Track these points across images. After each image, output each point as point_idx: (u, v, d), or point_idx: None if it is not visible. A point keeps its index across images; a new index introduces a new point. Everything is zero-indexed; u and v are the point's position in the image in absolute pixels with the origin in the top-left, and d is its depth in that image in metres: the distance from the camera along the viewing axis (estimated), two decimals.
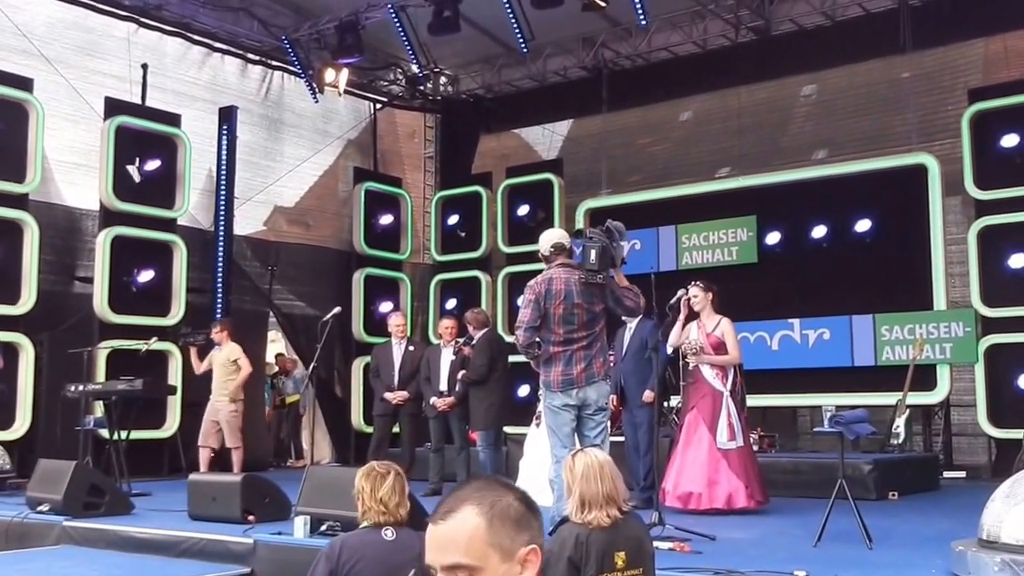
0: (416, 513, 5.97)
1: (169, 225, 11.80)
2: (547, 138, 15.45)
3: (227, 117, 12.48)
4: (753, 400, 10.49)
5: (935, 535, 6.14)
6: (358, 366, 13.45)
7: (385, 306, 13.55)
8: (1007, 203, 10.71)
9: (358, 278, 13.88)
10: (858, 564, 5.21)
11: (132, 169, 11.41)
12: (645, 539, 4.10)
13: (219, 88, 13.11)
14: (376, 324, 13.05)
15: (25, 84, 10.70)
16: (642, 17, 11.50)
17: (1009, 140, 10.77)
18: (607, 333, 6.33)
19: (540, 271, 6.20)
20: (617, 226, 5.83)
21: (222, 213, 12.27)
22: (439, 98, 15.83)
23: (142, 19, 12.25)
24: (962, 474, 10.96)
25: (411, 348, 9.56)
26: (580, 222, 13.40)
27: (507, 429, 10.13)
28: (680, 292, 7.10)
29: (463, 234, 14.48)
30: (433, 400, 9.08)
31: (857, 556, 5.51)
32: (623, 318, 7.83)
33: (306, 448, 13.53)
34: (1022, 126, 10.73)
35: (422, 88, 15.34)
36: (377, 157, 15.23)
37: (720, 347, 7.74)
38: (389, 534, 3.97)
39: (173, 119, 11.93)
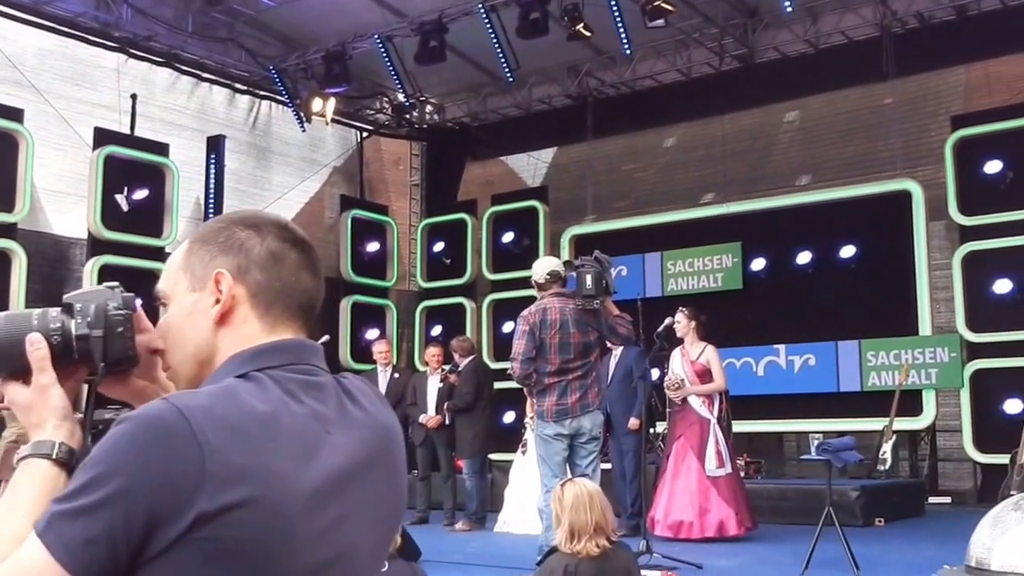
0: (407, 544, 5.98)
1: (157, 253, 11.77)
2: (532, 165, 15.55)
3: (215, 146, 12.52)
4: (739, 426, 10.55)
5: (922, 562, 6.16)
6: None
7: (372, 333, 13.57)
8: (991, 229, 10.81)
9: (345, 305, 13.90)
10: None
11: (120, 198, 11.41)
12: (634, 569, 4.14)
13: (207, 117, 13.16)
14: (363, 351, 13.04)
15: (15, 115, 10.71)
16: (627, 46, 11.62)
17: (992, 166, 10.89)
18: None
19: (524, 298, 6.23)
20: (604, 256, 5.89)
21: None
22: (425, 126, 15.91)
23: (131, 50, 12.28)
24: (947, 499, 11.01)
25: (396, 375, 9.57)
26: (565, 248, 13.48)
27: (493, 456, 10.16)
28: (668, 320, 7.16)
29: (448, 261, 14.52)
30: (421, 417, 9.09)
31: None
32: (609, 345, 7.88)
33: None
34: (1004, 152, 10.85)
35: (408, 116, 15.41)
36: (363, 185, 15.28)
37: (705, 374, 7.79)
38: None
39: (161, 148, 11.95)
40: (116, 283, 1.34)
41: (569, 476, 5.24)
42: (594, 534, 3.88)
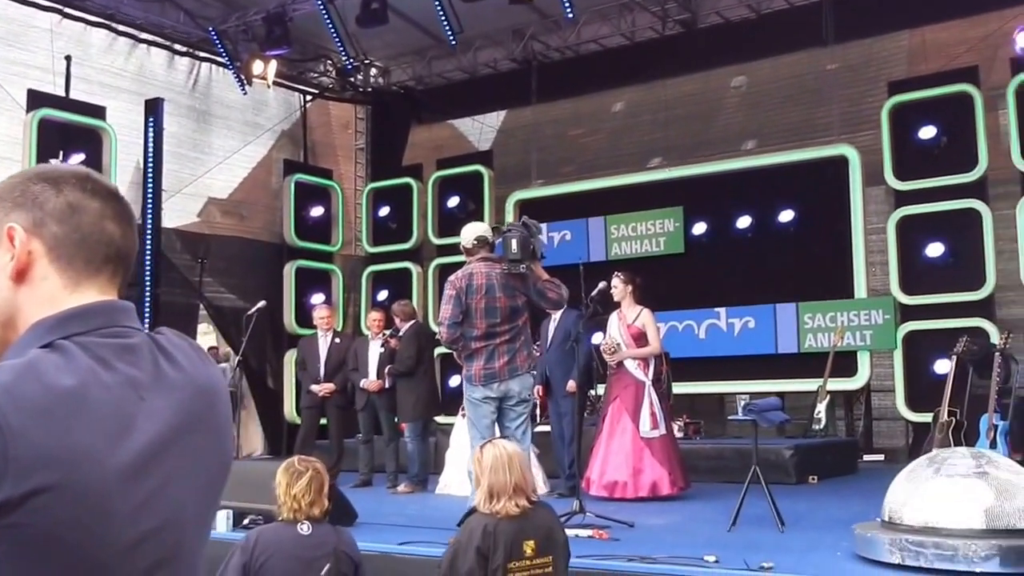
0: (339, 507, 6.03)
1: None
2: (480, 129, 15.52)
3: (153, 109, 12.31)
4: (681, 388, 10.72)
5: (847, 517, 6.31)
6: (290, 358, 13.40)
7: (316, 298, 13.52)
8: (925, 193, 11.00)
9: (288, 270, 13.83)
10: (768, 547, 5.36)
11: (56, 162, 11.22)
12: (555, 528, 4.21)
13: (145, 80, 12.92)
14: (307, 316, 13.00)
15: None
16: (569, 10, 11.61)
17: (927, 132, 11.07)
18: (533, 323, 6.43)
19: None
20: (533, 221, 5.93)
21: (149, 206, 12.13)
22: (370, 89, 15.78)
23: (66, 9, 12.01)
24: (881, 457, 11.29)
25: (337, 340, 9.58)
26: (510, 213, 13.52)
27: (439, 419, 10.22)
28: (601, 284, 7.23)
29: (394, 226, 14.51)
30: (362, 382, 9.13)
31: (769, 539, 5.69)
32: (548, 310, 7.95)
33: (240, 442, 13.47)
34: (939, 118, 11.03)
35: (352, 80, 15.28)
36: (307, 149, 15.14)
37: (641, 337, 7.89)
38: (305, 529, 4.02)
39: (98, 111, 11.74)
40: None
41: (494, 437, 5.31)
42: (513, 494, 3.96)
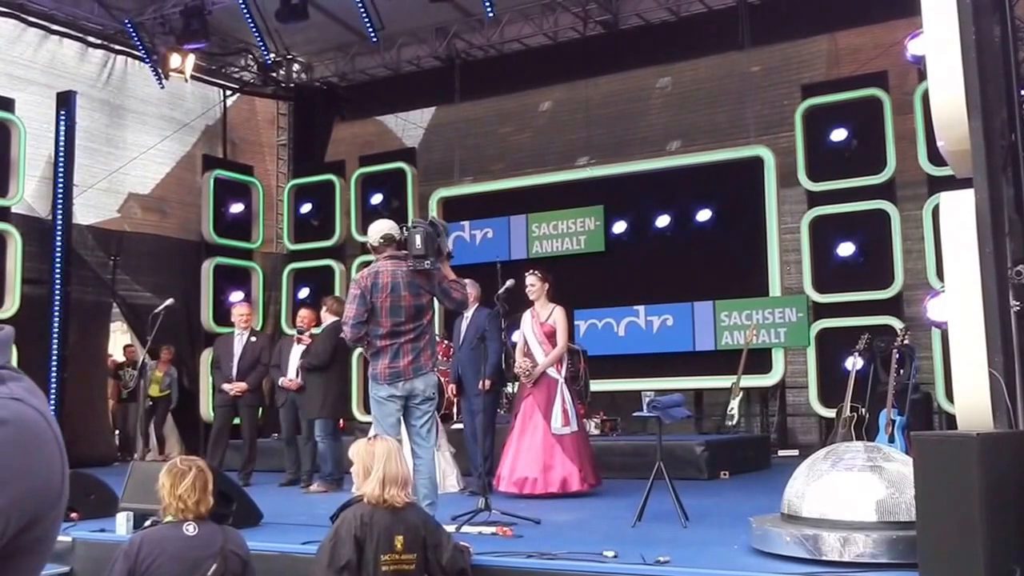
0: (243, 508, 5.96)
1: (2, 214, 11.34)
2: (409, 126, 15.47)
3: (65, 102, 11.99)
4: (600, 385, 10.80)
5: (751, 511, 6.37)
6: (207, 357, 13.21)
7: (236, 296, 13.32)
8: (836, 194, 11.25)
9: (207, 267, 13.61)
10: (669, 542, 5.41)
11: None
12: (421, 529, 4.30)
13: (57, 72, 12.58)
14: (226, 314, 12.80)
15: None
16: (489, 9, 11.62)
17: (838, 134, 11.31)
18: (447, 323, 6.41)
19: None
20: (440, 220, 5.93)
21: (60, 201, 11.83)
22: (292, 85, 15.61)
23: None
24: (795, 452, 11.48)
25: (253, 339, 9.44)
26: (433, 210, 13.51)
27: (360, 418, 10.14)
28: (508, 282, 7.22)
29: (316, 223, 14.37)
30: (281, 380, 9.04)
31: (671, 534, 5.74)
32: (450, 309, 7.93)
33: (154, 441, 13.23)
34: (850, 121, 11.28)
35: (274, 75, 15.11)
36: (227, 144, 14.91)
37: (553, 335, 7.93)
38: (191, 529, 3.98)
39: (6, 104, 11.40)
40: None
41: (404, 437, 5.32)
42: (403, 485, 4.13)
